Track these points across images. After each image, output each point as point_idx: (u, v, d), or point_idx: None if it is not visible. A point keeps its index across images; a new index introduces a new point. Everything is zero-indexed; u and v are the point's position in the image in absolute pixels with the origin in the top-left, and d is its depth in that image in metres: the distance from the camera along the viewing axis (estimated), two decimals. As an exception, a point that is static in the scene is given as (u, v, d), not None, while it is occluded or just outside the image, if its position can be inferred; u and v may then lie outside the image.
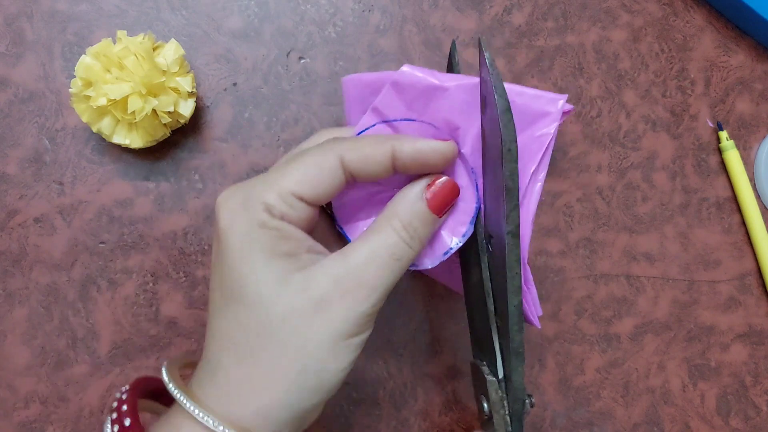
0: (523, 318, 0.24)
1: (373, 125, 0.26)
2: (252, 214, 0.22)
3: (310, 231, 0.25)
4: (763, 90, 0.38)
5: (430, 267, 0.26)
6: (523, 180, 0.26)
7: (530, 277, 0.27)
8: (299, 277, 0.22)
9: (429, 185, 0.24)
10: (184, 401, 0.22)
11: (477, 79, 0.25)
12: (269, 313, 0.22)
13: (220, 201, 0.24)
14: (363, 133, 0.26)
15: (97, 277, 0.35)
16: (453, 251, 0.25)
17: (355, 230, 0.27)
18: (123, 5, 0.36)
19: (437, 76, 0.25)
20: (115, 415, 0.23)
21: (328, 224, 0.27)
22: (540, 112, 0.26)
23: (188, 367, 0.27)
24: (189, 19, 0.36)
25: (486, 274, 0.25)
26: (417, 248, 0.24)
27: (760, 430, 0.37)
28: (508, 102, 0.22)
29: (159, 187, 0.36)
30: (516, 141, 0.22)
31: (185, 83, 0.33)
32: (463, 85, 0.25)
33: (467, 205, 0.26)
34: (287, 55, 0.37)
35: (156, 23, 0.36)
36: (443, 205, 0.25)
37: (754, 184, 0.38)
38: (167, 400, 0.25)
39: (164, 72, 0.32)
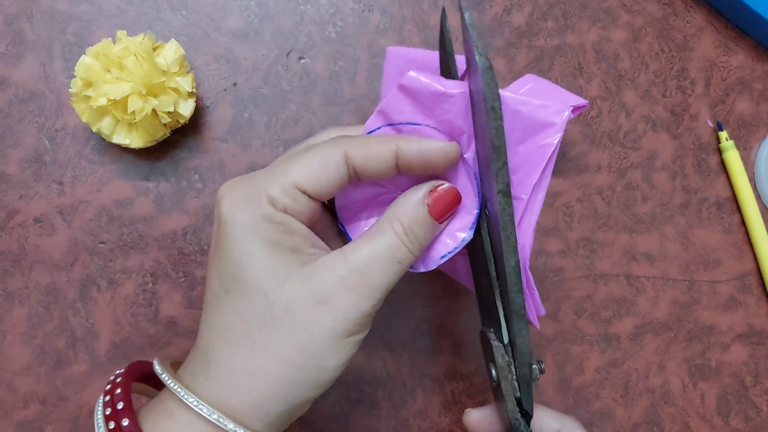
0: (521, 280, 0.23)
1: (379, 128, 0.26)
2: (256, 207, 0.23)
3: (312, 226, 0.25)
4: (763, 90, 0.38)
5: (424, 270, 0.26)
6: (526, 190, 0.26)
7: (532, 282, 0.28)
8: (302, 272, 0.22)
9: (431, 191, 0.25)
10: (179, 390, 0.22)
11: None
12: (271, 306, 0.22)
13: (222, 191, 0.24)
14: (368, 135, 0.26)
15: (97, 277, 0.35)
16: (450, 256, 0.25)
17: (356, 229, 0.27)
18: (123, 5, 0.36)
19: (443, 83, 0.25)
20: (107, 398, 0.23)
21: (330, 220, 0.27)
22: (544, 122, 0.26)
23: (177, 365, 0.27)
24: (189, 19, 0.36)
25: (486, 239, 0.25)
26: (417, 252, 0.24)
27: (760, 430, 0.37)
28: (489, 60, 0.22)
29: (159, 187, 0.36)
30: (499, 99, 0.22)
31: (185, 83, 0.33)
32: (468, 92, 0.25)
33: (467, 212, 0.26)
34: (287, 55, 0.37)
35: (156, 23, 0.36)
36: (444, 212, 0.25)
37: (754, 184, 0.38)
38: (159, 383, 0.25)
39: (164, 72, 0.32)
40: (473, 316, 0.36)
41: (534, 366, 0.24)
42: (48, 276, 0.35)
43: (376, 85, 0.37)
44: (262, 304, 0.22)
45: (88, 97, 0.32)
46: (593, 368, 0.37)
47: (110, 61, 0.31)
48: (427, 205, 0.24)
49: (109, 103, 0.31)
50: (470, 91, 0.25)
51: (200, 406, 0.22)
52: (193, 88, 0.34)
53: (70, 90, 0.32)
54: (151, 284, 0.35)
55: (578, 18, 0.38)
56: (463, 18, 0.23)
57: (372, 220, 0.26)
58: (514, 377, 0.25)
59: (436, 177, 0.26)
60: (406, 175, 0.25)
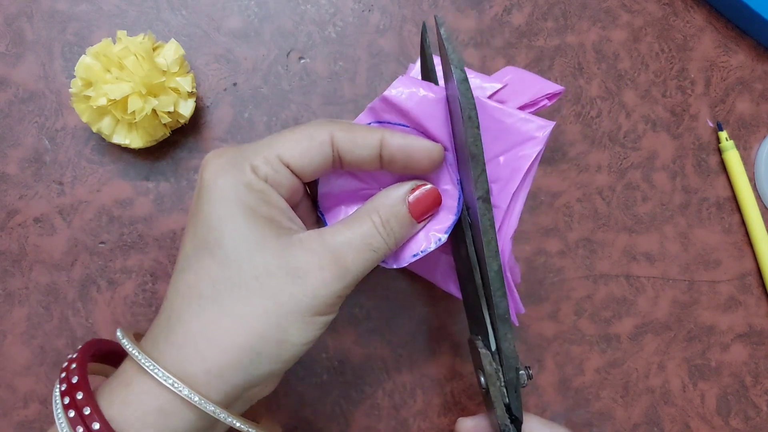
0: (505, 284, 0.24)
1: (369, 123, 0.26)
2: (238, 173, 0.23)
3: (293, 205, 0.25)
4: (763, 90, 0.38)
5: (395, 267, 0.26)
6: (505, 199, 0.27)
7: (512, 284, 0.28)
8: (277, 243, 0.23)
9: (413, 189, 0.25)
10: (135, 353, 0.22)
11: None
12: (242, 270, 0.22)
13: (207, 158, 0.24)
14: None
15: (97, 276, 0.35)
16: (421, 255, 0.26)
17: (334, 218, 0.27)
18: (123, 5, 0.36)
19: (432, 89, 0.26)
20: (63, 375, 0.22)
21: (309, 207, 0.27)
22: (526, 135, 0.27)
23: (140, 338, 0.26)
24: (189, 19, 0.36)
25: (471, 248, 0.26)
26: (392, 245, 0.24)
27: (760, 430, 0.37)
28: (465, 72, 0.22)
29: (159, 187, 0.36)
30: (476, 108, 0.22)
31: (185, 83, 0.33)
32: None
33: (447, 214, 0.26)
34: (287, 55, 0.37)
35: (156, 23, 0.36)
36: (423, 212, 0.25)
37: (754, 184, 0.38)
38: (117, 362, 0.25)
39: (164, 72, 0.32)
40: (473, 316, 0.36)
41: (522, 372, 0.25)
42: (48, 276, 0.35)
43: (376, 85, 0.37)
44: (233, 268, 0.22)
45: (88, 97, 0.32)
46: (593, 368, 0.37)
47: (110, 61, 0.31)
48: (408, 203, 0.25)
49: (109, 103, 0.31)
50: (448, 99, 0.25)
51: (155, 370, 0.21)
52: (193, 88, 0.34)
53: (70, 90, 0.32)
54: (151, 284, 0.35)
55: (578, 18, 0.38)
56: (439, 32, 0.23)
57: (351, 210, 0.27)
58: (502, 383, 0.25)
59: (420, 178, 0.26)
60: (389, 172, 0.26)
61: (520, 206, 0.27)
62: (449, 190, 0.26)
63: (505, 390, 0.25)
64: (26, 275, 0.35)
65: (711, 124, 0.38)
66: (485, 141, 0.27)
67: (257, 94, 0.36)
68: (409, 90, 0.25)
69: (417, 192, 0.25)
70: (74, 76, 0.32)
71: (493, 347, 0.25)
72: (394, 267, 0.26)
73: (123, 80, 0.31)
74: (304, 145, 0.23)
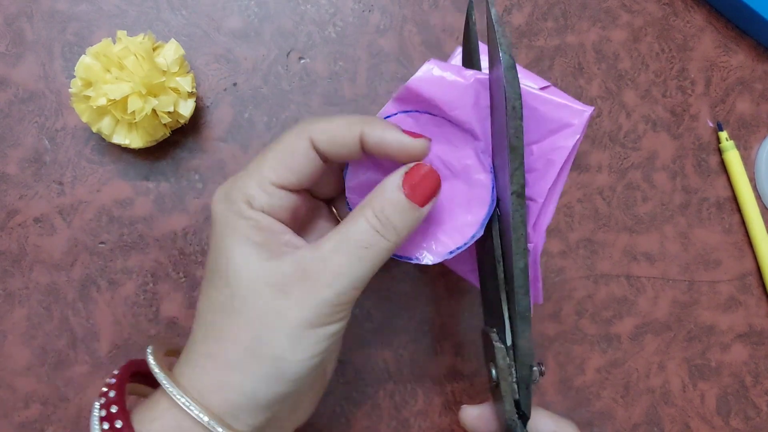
0: (528, 282, 0.23)
1: (395, 114, 0.25)
2: (232, 205, 0.23)
3: (298, 217, 0.25)
4: (763, 90, 0.38)
5: (430, 264, 0.25)
6: (540, 193, 0.25)
7: (539, 275, 0.27)
8: (267, 264, 0.23)
9: (406, 173, 0.24)
10: (162, 378, 0.23)
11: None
12: (233, 294, 0.23)
13: (216, 192, 0.25)
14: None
15: (97, 277, 0.35)
16: (459, 251, 0.25)
17: (354, 171, 0.26)
18: (123, 5, 0.36)
19: (462, 74, 0.25)
20: (103, 400, 0.23)
21: (329, 211, 0.27)
22: (562, 122, 0.25)
23: (174, 354, 0.27)
24: (189, 19, 0.36)
25: (497, 241, 0.25)
26: (391, 237, 0.23)
27: (760, 430, 0.37)
28: (513, 59, 0.21)
29: (159, 187, 0.36)
30: (521, 98, 0.21)
31: (185, 83, 0.33)
32: (484, 80, 0.25)
33: (481, 205, 0.25)
34: (287, 55, 0.37)
35: (156, 23, 0.36)
36: (423, 194, 0.23)
37: (754, 184, 0.38)
38: (156, 382, 0.25)
39: (164, 72, 0.32)
40: (474, 316, 0.36)
41: (534, 368, 0.24)
42: (48, 276, 0.35)
43: (376, 85, 0.37)
44: (226, 292, 0.23)
45: (88, 97, 0.32)
46: (594, 368, 0.37)
47: (110, 61, 0.31)
48: (404, 188, 0.23)
49: (109, 103, 0.31)
50: (490, 85, 0.24)
51: (171, 389, 0.22)
52: (193, 88, 0.34)
53: (70, 90, 0.32)
54: (151, 284, 0.35)
55: (578, 18, 0.38)
56: (489, 14, 0.22)
57: (371, 174, 0.26)
58: (514, 379, 0.25)
59: (449, 167, 0.25)
60: None
61: (555, 199, 0.26)
62: (482, 179, 0.25)
63: (516, 386, 0.25)
64: (26, 275, 0.35)
65: (711, 124, 0.38)
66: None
67: (257, 94, 0.36)
68: (435, 76, 0.24)
69: (409, 175, 0.23)
70: (74, 76, 0.32)
71: (509, 342, 0.25)
72: (427, 264, 0.25)
73: (123, 80, 0.31)
74: (288, 162, 0.23)
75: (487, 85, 0.25)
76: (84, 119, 0.32)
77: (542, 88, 0.31)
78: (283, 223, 0.24)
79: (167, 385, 0.22)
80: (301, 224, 0.26)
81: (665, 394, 0.37)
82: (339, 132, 0.23)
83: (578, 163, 0.37)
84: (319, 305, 0.22)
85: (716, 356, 0.37)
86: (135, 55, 0.31)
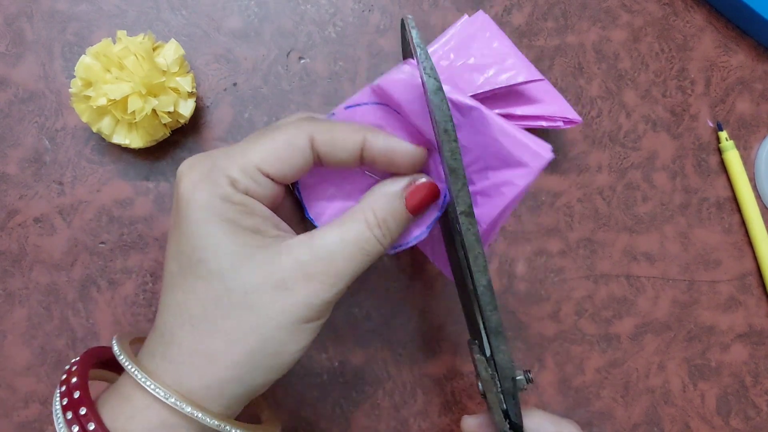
0: (495, 298, 0.23)
1: (366, 104, 0.25)
2: (214, 187, 0.22)
3: (275, 208, 0.24)
4: (763, 90, 0.38)
5: (395, 252, 0.26)
6: (486, 220, 0.26)
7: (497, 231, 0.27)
8: (262, 255, 0.22)
9: (410, 184, 0.24)
10: (136, 373, 0.22)
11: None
12: (229, 287, 0.22)
13: (181, 169, 0.23)
14: (351, 109, 0.25)
15: (97, 277, 0.35)
16: (398, 250, 0.25)
17: (316, 206, 0.26)
18: (123, 5, 0.36)
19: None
20: (64, 388, 0.22)
21: (293, 203, 0.27)
22: (519, 161, 0.25)
23: (138, 342, 0.26)
24: (189, 19, 0.36)
25: (461, 254, 0.25)
26: (387, 245, 0.24)
27: (760, 430, 0.37)
28: (439, 81, 0.21)
29: (159, 187, 0.36)
30: (452, 120, 0.21)
31: (185, 83, 0.33)
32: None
33: (430, 210, 0.25)
34: (287, 55, 0.37)
35: (156, 23, 0.36)
36: (420, 207, 0.24)
37: (754, 184, 0.38)
38: (119, 368, 0.25)
39: (164, 72, 0.32)
40: (473, 316, 0.36)
41: (519, 377, 0.24)
42: (48, 276, 0.35)
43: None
44: (220, 286, 0.22)
45: (88, 97, 0.32)
46: (593, 368, 0.37)
47: (110, 61, 0.31)
48: (405, 198, 0.24)
49: (109, 103, 0.31)
50: (428, 106, 0.24)
51: (157, 390, 0.22)
52: (193, 88, 0.34)
53: (70, 90, 0.32)
54: (151, 284, 0.35)
55: (578, 18, 0.38)
56: (411, 37, 0.22)
57: (334, 198, 0.26)
58: (499, 390, 0.25)
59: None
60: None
61: (499, 226, 0.26)
62: (433, 172, 0.25)
63: (501, 396, 0.25)
64: (26, 275, 0.35)
65: (711, 124, 0.38)
66: (477, 147, 0.25)
67: (257, 94, 0.36)
68: (405, 79, 0.24)
69: (414, 187, 0.24)
70: (74, 76, 0.32)
71: (489, 353, 0.25)
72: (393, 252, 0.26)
73: (123, 80, 0.31)
74: (283, 153, 0.22)
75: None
76: (84, 119, 0.32)
77: (535, 81, 0.31)
78: None
79: (149, 384, 0.22)
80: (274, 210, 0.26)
81: (665, 394, 0.37)
82: (342, 135, 0.23)
83: (578, 162, 0.37)
84: (319, 304, 0.22)
85: (716, 356, 0.37)
86: (135, 55, 0.31)
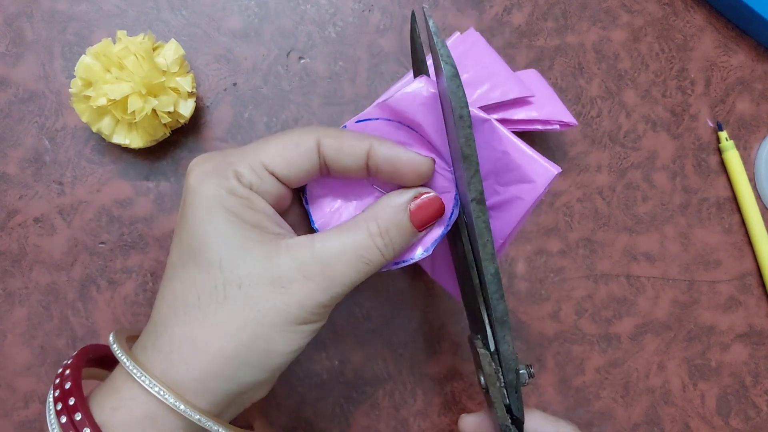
0: (502, 287, 0.23)
1: (377, 119, 0.25)
2: (221, 180, 0.22)
3: (282, 212, 0.24)
4: (763, 90, 0.38)
5: (383, 270, 0.25)
6: (501, 235, 0.26)
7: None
8: (262, 250, 0.22)
9: (416, 197, 0.24)
10: (125, 360, 0.22)
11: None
12: (225, 278, 0.22)
13: (192, 163, 0.24)
14: (361, 123, 0.25)
15: (97, 276, 0.35)
16: (402, 266, 0.25)
17: (320, 209, 0.26)
18: (123, 5, 0.36)
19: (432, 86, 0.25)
20: (57, 380, 0.22)
21: (302, 214, 0.27)
22: (526, 176, 0.25)
23: (135, 339, 0.26)
24: (189, 19, 0.36)
25: (468, 247, 0.25)
26: (389, 256, 0.24)
27: (760, 430, 0.37)
28: (455, 68, 0.21)
29: (159, 186, 0.36)
30: (467, 107, 0.21)
31: (185, 83, 0.33)
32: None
33: (440, 221, 0.25)
34: (287, 55, 0.37)
35: (156, 23, 0.36)
36: (425, 221, 0.24)
37: (754, 184, 0.38)
38: (114, 365, 0.25)
39: (164, 72, 0.32)
40: (473, 316, 0.36)
41: (522, 371, 0.24)
42: (48, 276, 0.35)
43: (376, 85, 0.37)
44: (216, 276, 0.22)
45: (88, 97, 0.32)
46: (593, 368, 0.37)
47: (110, 61, 0.31)
48: (410, 211, 0.24)
49: (109, 103, 0.31)
50: (440, 95, 0.24)
51: (142, 378, 0.22)
52: (193, 88, 0.34)
53: (70, 90, 0.32)
54: (151, 284, 0.35)
55: (578, 18, 0.38)
56: (427, 26, 0.22)
57: (341, 211, 0.26)
58: (502, 384, 0.25)
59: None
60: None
61: (509, 240, 0.27)
62: (446, 181, 0.25)
63: (505, 391, 0.25)
64: (26, 275, 0.35)
65: (711, 124, 0.38)
66: (486, 162, 0.26)
67: (257, 94, 0.36)
68: (414, 93, 0.24)
69: (419, 200, 0.24)
70: (74, 76, 0.32)
71: (492, 348, 0.25)
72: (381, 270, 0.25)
73: (123, 80, 0.31)
74: (289, 153, 0.23)
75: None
76: (84, 119, 0.32)
77: (525, 98, 0.32)
78: None
79: (136, 372, 0.22)
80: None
81: (665, 394, 0.37)
82: (349, 142, 0.23)
83: (578, 162, 0.37)
84: (314, 306, 0.22)
85: (716, 356, 0.37)
86: (135, 55, 0.31)
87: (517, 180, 0.25)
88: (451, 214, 0.25)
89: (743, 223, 0.38)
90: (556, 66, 0.38)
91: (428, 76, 0.27)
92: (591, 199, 0.37)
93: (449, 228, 0.25)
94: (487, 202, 0.26)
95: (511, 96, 0.31)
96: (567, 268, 0.37)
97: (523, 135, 0.37)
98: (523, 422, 0.25)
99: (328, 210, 0.26)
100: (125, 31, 0.33)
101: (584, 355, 0.37)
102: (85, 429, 0.21)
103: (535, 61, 0.37)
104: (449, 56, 0.22)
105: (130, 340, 0.26)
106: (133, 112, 0.31)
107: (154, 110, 0.32)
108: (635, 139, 0.38)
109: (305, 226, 0.27)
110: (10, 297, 0.35)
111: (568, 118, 0.33)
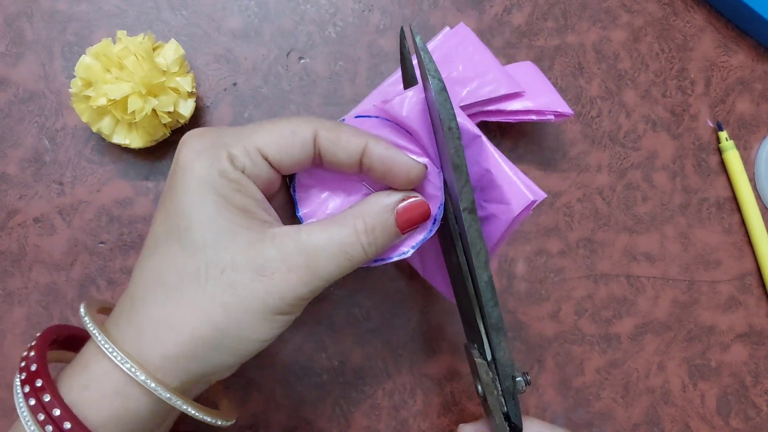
0: (496, 294, 0.24)
1: (376, 117, 0.25)
2: (214, 160, 0.22)
3: (269, 197, 0.24)
4: (763, 90, 0.38)
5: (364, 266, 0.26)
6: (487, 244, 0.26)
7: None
8: (247, 235, 0.22)
9: (403, 199, 0.24)
10: (96, 333, 0.22)
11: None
12: (208, 261, 0.22)
13: (185, 138, 0.23)
14: (360, 119, 0.26)
15: (97, 276, 0.35)
16: (380, 264, 0.25)
17: (306, 200, 0.26)
18: (123, 5, 0.36)
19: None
20: (23, 364, 0.22)
21: (288, 200, 0.27)
22: (505, 198, 0.26)
23: (108, 312, 0.26)
24: (189, 19, 0.36)
25: (462, 257, 0.25)
26: (372, 254, 0.24)
27: (760, 430, 0.37)
28: (443, 82, 0.22)
29: (159, 186, 0.36)
30: (456, 119, 0.22)
31: (185, 83, 0.33)
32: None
33: (424, 226, 0.26)
34: (287, 55, 0.37)
35: (156, 23, 0.36)
36: (409, 224, 0.25)
37: (754, 184, 0.38)
38: (81, 346, 0.25)
39: (164, 72, 0.32)
40: (473, 316, 0.36)
41: (519, 378, 0.24)
42: (48, 276, 0.35)
43: (376, 85, 0.37)
44: (200, 258, 0.22)
45: (88, 97, 0.32)
46: (593, 368, 0.37)
47: (110, 61, 0.31)
48: (396, 212, 0.24)
49: (109, 103, 0.31)
50: (429, 109, 0.24)
51: (114, 353, 0.21)
52: (193, 88, 0.34)
53: (70, 90, 0.32)
54: (151, 284, 0.35)
55: (578, 18, 0.38)
56: (414, 41, 0.23)
57: (327, 203, 0.26)
58: (500, 392, 0.25)
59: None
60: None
61: (494, 254, 0.27)
62: (433, 182, 0.25)
63: (503, 399, 0.25)
64: (26, 275, 0.35)
65: (711, 124, 0.38)
66: (473, 176, 0.26)
67: (257, 94, 0.36)
68: (407, 99, 0.25)
69: (406, 203, 0.24)
70: (74, 76, 0.32)
71: (489, 356, 0.25)
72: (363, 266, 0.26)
73: (123, 80, 0.31)
74: (286, 141, 0.23)
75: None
76: (84, 119, 0.32)
77: (515, 94, 0.32)
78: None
79: (108, 347, 0.22)
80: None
81: (665, 394, 0.37)
82: (346, 137, 0.23)
83: (578, 162, 0.37)
84: (293, 298, 0.22)
85: (716, 356, 0.37)
86: (135, 55, 0.31)
87: (497, 199, 0.26)
88: (435, 220, 0.25)
89: (743, 223, 0.38)
90: (556, 66, 0.38)
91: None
92: (591, 199, 0.37)
93: (432, 234, 0.25)
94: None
95: (502, 92, 0.31)
96: (567, 268, 0.37)
97: (519, 126, 0.37)
98: (521, 430, 0.25)
99: (315, 200, 0.26)
100: (125, 31, 0.33)
101: (584, 356, 0.37)
102: (55, 410, 0.21)
103: (535, 61, 0.37)
104: (437, 71, 0.22)
105: (103, 312, 0.26)
106: (133, 112, 0.31)
107: (154, 110, 0.32)
108: (635, 139, 0.38)
109: (290, 212, 0.27)
110: (10, 297, 0.35)
111: (564, 108, 0.33)
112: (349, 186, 0.26)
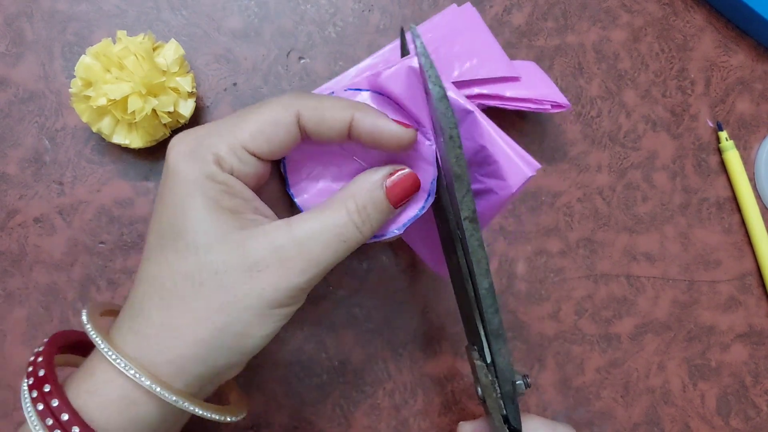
0: (497, 301, 0.24)
1: (366, 90, 0.25)
2: (201, 164, 0.22)
3: (260, 185, 0.24)
4: (763, 90, 0.38)
5: (391, 237, 0.26)
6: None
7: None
8: (238, 236, 0.22)
9: (390, 174, 0.24)
10: (99, 342, 0.22)
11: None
12: (201, 264, 0.22)
13: (172, 142, 0.23)
14: (350, 92, 0.25)
15: (97, 277, 0.35)
16: (384, 239, 0.25)
17: (297, 175, 0.26)
18: (123, 5, 0.36)
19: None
20: (30, 369, 0.22)
21: (280, 186, 0.27)
22: (503, 174, 0.26)
23: (111, 314, 0.26)
24: (189, 19, 0.36)
25: (462, 260, 0.25)
26: (367, 233, 0.24)
27: (760, 430, 0.37)
28: (444, 89, 0.22)
29: (158, 187, 0.36)
30: (457, 127, 0.22)
31: (185, 83, 0.33)
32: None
33: (417, 198, 0.25)
34: (287, 55, 0.37)
35: (156, 23, 0.36)
36: (401, 197, 0.24)
37: (754, 184, 0.38)
38: (89, 351, 0.25)
39: (164, 72, 0.32)
40: (473, 316, 0.36)
41: (518, 382, 0.24)
42: (48, 276, 0.35)
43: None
44: (193, 262, 0.22)
45: (88, 97, 0.32)
46: (594, 368, 0.37)
47: (110, 61, 0.31)
48: (386, 187, 0.24)
49: (109, 103, 0.31)
50: (430, 112, 0.24)
51: (118, 360, 0.22)
52: (193, 88, 0.34)
53: (70, 90, 0.32)
54: (151, 284, 0.35)
55: (578, 18, 0.38)
56: (415, 45, 0.23)
57: (318, 178, 0.26)
58: (499, 395, 0.25)
59: (397, 159, 0.25)
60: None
61: (485, 225, 0.27)
62: (425, 152, 0.25)
63: (501, 402, 0.25)
64: (26, 275, 0.35)
65: (711, 124, 0.38)
66: (467, 151, 0.26)
67: (257, 94, 0.36)
68: (400, 69, 0.24)
69: (395, 176, 0.24)
70: (74, 76, 0.32)
71: (489, 359, 0.25)
72: (390, 238, 0.26)
73: (123, 80, 0.31)
74: (269, 131, 0.23)
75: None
76: (84, 119, 0.32)
77: (513, 78, 0.32)
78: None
79: (111, 354, 0.22)
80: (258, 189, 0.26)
81: (665, 394, 0.37)
82: (330, 113, 0.23)
83: (578, 162, 0.37)
84: (290, 289, 0.22)
85: (716, 356, 0.37)
86: (135, 55, 0.31)
87: (494, 174, 0.26)
88: (429, 194, 0.25)
89: (743, 223, 0.38)
90: (556, 66, 0.38)
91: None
92: (591, 199, 0.37)
93: (425, 209, 0.25)
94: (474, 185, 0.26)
95: (499, 74, 0.31)
96: (567, 268, 0.37)
97: (519, 126, 0.37)
98: (520, 431, 0.25)
99: (305, 175, 0.26)
100: (125, 31, 0.33)
101: (584, 355, 0.37)
102: (63, 414, 0.21)
103: (535, 61, 0.37)
104: (437, 77, 0.22)
105: (106, 314, 0.26)
106: (133, 112, 0.31)
107: (154, 110, 0.32)
108: (635, 139, 0.38)
109: (283, 198, 0.27)
110: (10, 297, 0.35)
111: (561, 99, 0.33)
112: (341, 160, 0.26)
